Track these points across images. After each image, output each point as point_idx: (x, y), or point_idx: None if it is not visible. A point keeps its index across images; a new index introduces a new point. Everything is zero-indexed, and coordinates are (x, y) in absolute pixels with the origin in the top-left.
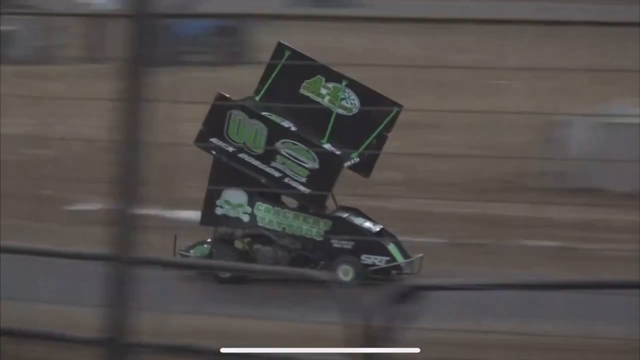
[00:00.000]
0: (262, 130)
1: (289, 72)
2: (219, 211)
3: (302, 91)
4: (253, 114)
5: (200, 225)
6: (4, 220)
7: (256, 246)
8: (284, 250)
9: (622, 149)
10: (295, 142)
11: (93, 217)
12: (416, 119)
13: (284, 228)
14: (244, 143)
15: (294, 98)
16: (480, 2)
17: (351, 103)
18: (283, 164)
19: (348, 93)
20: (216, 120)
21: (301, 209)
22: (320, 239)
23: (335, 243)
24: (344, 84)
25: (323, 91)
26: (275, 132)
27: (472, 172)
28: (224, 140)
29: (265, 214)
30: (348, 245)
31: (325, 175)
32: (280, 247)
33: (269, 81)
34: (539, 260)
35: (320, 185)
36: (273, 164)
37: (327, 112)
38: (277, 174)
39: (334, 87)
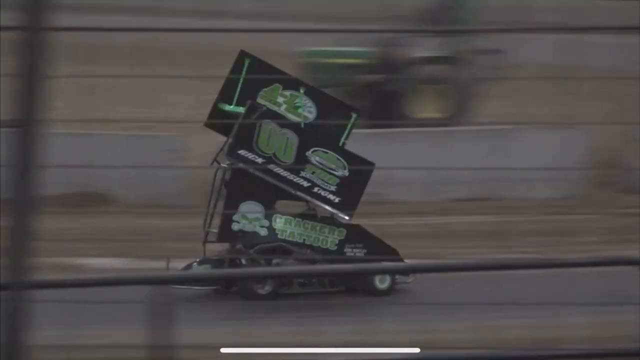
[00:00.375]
0: (293, 139)
1: (250, 81)
2: (235, 226)
3: (260, 100)
4: (284, 123)
5: (217, 242)
6: None
7: (276, 261)
8: (305, 263)
9: None
10: (326, 150)
11: None
12: None
13: (304, 239)
14: (273, 154)
15: None
16: None
17: (308, 111)
18: (313, 173)
19: (305, 100)
20: (246, 130)
21: (311, 217)
22: (334, 248)
23: (349, 252)
24: (302, 91)
25: (280, 99)
26: (307, 141)
27: None
28: (253, 152)
29: (286, 226)
30: (360, 253)
31: (354, 183)
32: (301, 260)
33: (238, 91)
34: None
35: (350, 193)
36: (302, 173)
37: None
38: (306, 184)
39: (290, 95)
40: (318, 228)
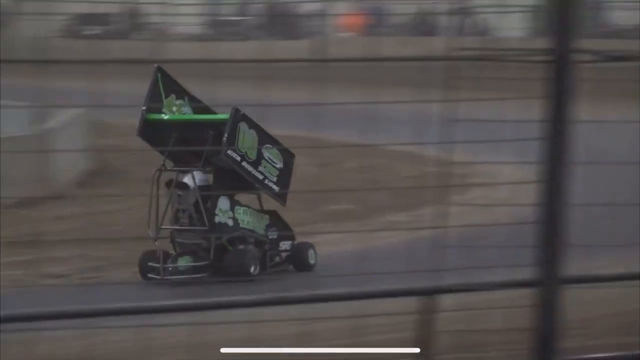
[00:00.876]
0: (255, 137)
1: (163, 92)
2: (216, 219)
3: (163, 109)
4: (251, 124)
5: (208, 234)
6: None
7: (241, 247)
8: (261, 247)
9: None
10: (271, 146)
11: None
12: None
13: (254, 227)
14: (245, 152)
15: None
16: None
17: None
18: (265, 167)
19: (187, 109)
20: (232, 132)
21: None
22: (264, 232)
23: (271, 235)
24: (186, 100)
25: (174, 109)
26: (262, 138)
27: None
28: (236, 152)
29: (244, 216)
30: (274, 235)
31: (286, 172)
32: (259, 244)
33: (164, 102)
34: None
35: (284, 182)
36: (259, 168)
37: None
38: (261, 177)
39: (180, 103)
40: (258, 216)
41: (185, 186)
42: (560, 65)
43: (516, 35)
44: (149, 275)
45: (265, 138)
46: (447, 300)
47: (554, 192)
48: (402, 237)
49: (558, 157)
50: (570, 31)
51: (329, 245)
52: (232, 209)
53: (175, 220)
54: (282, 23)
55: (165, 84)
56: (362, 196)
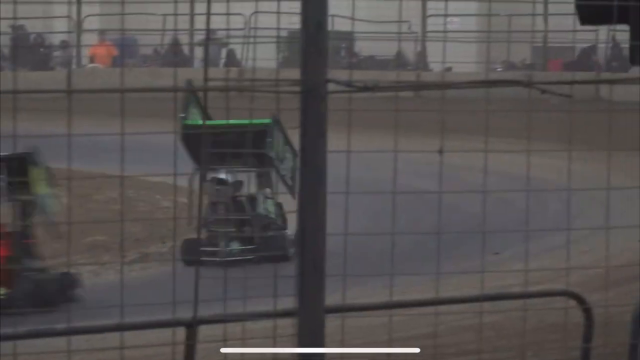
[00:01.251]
0: (282, 139)
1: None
2: (258, 210)
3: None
4: (280, 128)
5: (255, 223)
6: None
7: (270, 233)
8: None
9: None
10: (288, 146)
11: None
12: None
13: (275, 216)
14: (277, 153)
15: None
16: None
17: (199, 117)
18: (285, 165)
19: (198, 116)
20: (272, 136)
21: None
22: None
23: (278, 220)
24: (198, 108)
25: (192, 115)
26: (285, 140)
27: None
28: (274, 152)
29: (271, 207)
30: (278, 220)
31: (294, 169)
32: (279, 229)
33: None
34: None
35: (294, 177)
36: (283, 165)
37: None
38: (283, 173)
39: (196, 110)
40: (276, 207)
41: (223, 182)
42: (311, 95)
43: (268, 65)
44: (202, 259)
45: (285, 139)
46: (209, 330)
47: (311, 221)
48: (161, 268)
49: (313, 187)
50: (320, 62)
51: (90, 275)
52: (264, 201)
53: (213, 211)
54: (28, 53)
55: (192, 95)
56: (117, 228)
